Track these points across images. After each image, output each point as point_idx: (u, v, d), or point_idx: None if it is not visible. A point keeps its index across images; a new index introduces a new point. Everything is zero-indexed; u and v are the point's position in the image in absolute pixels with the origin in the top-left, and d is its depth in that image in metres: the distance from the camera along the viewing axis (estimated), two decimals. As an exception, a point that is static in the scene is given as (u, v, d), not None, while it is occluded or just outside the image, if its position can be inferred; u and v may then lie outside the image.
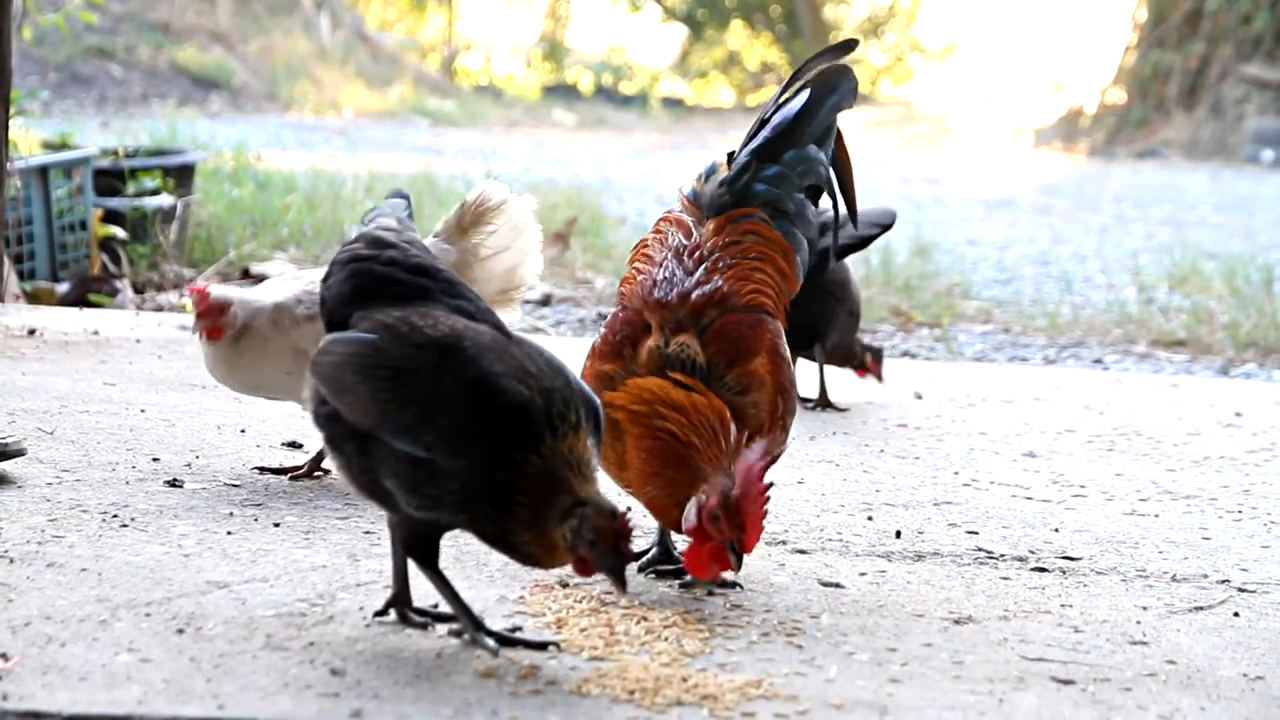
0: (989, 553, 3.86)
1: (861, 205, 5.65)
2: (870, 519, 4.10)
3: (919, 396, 5.88)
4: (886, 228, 5.64)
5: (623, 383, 3.33)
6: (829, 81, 3.65)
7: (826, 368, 5.65)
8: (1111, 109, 22.39)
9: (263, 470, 4.21)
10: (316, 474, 4.18)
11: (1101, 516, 4.29)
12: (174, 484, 4.02)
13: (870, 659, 3.06)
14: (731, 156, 3.62)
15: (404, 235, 3.17)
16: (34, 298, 7.27)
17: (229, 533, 3.63)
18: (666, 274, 3.45)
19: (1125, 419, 5.65)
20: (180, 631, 2.99)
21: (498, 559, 3.48)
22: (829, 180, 3.69)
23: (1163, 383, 6.68)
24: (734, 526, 3.13)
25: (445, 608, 3.05)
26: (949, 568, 3.72)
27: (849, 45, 3.74)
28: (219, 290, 4.11)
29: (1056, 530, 4.11)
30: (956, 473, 4.70)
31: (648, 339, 3.38)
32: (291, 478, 4.16)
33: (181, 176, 8.59)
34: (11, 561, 3.33)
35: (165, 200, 8.28)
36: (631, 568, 3.48)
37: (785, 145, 3.59)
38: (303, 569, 3.39)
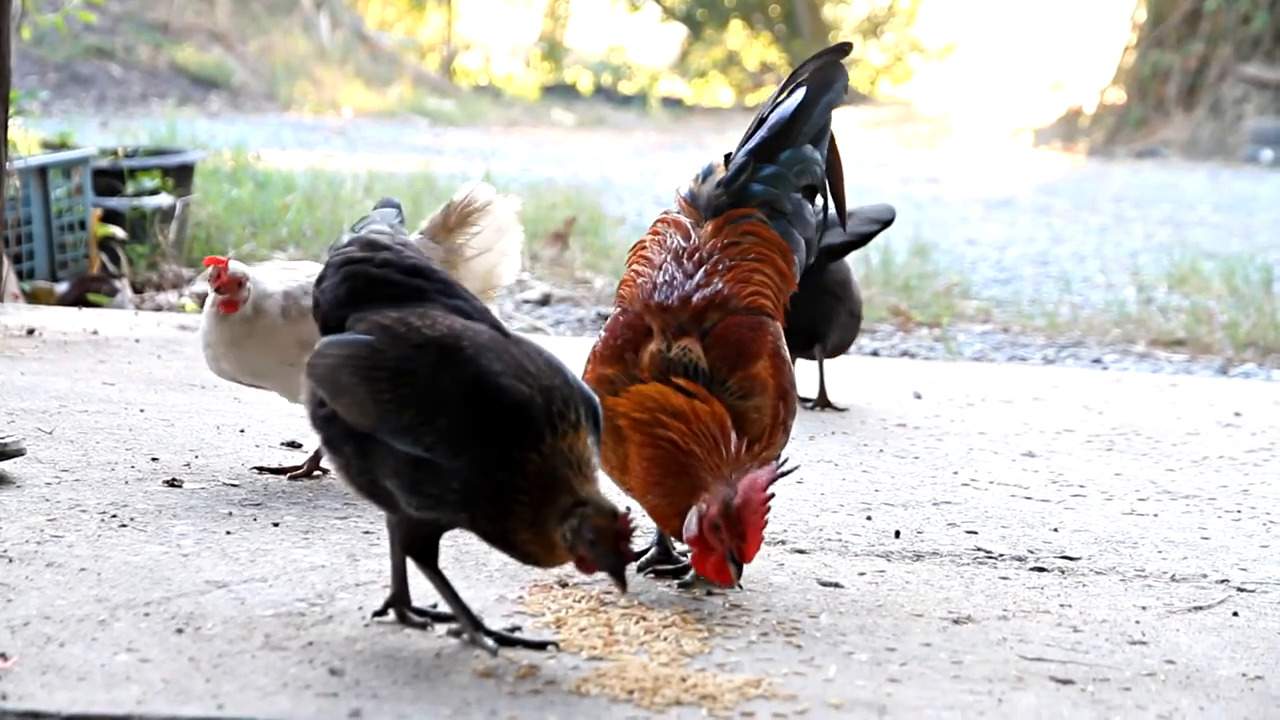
0: (988, 552, 3.86)
1: (859, 204, 5.71)
2: (869, 519, 4.10)
3: (918, 396, 5.88)
4: (886, 224, 5.64)
5: (625, 389, 3.33)
6: (823, 80, 3.65)
7: (826, 368, 5.65)
8: (1111, 109, 22.39)
9: (262, 470, 4.21)
10: (315, 474, 4.18)
11: (1100, 516, 4.29)
12: (173, 484, 4.02)
13: (869, 659, 3.06)
14: (728, 158, 3.62)
15: (397, 238, 3.17)
16: (33, 297, 7.27)
17: (228, 532, 3.63)
18: (666, 277, 3.45)
19: (1124, 419, 5.65)
20: (179, 631, 2.99)
21: (497, 559, 3.48)
22: (823, 180, 3.68)
23: (1162, 382, 6.68)
24: (734, 536, 3.13)
25: (444, 607, 3.05)
26: (948, 567, 3.72)
27: (844, 49, 3.74)
28: (237, 264, 4.09)
29: (1055, 530, 4.11)
30: (955, 472, 4.70)
31: (649, 343, 3.37)
32: (290, 477, 4.16)
33: (181, 176, 8.59)
34: (10, 561, 3.33)
35: (164, 200, 8.28)
36: (631, 567, 3.49)
37: (782, 145, 3.59)
38: (302, 569, 3.39)
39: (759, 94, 29.87)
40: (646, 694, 2.80)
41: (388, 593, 3.10)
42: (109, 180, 8.27)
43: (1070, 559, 3.84)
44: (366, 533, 3.68)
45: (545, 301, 8.59)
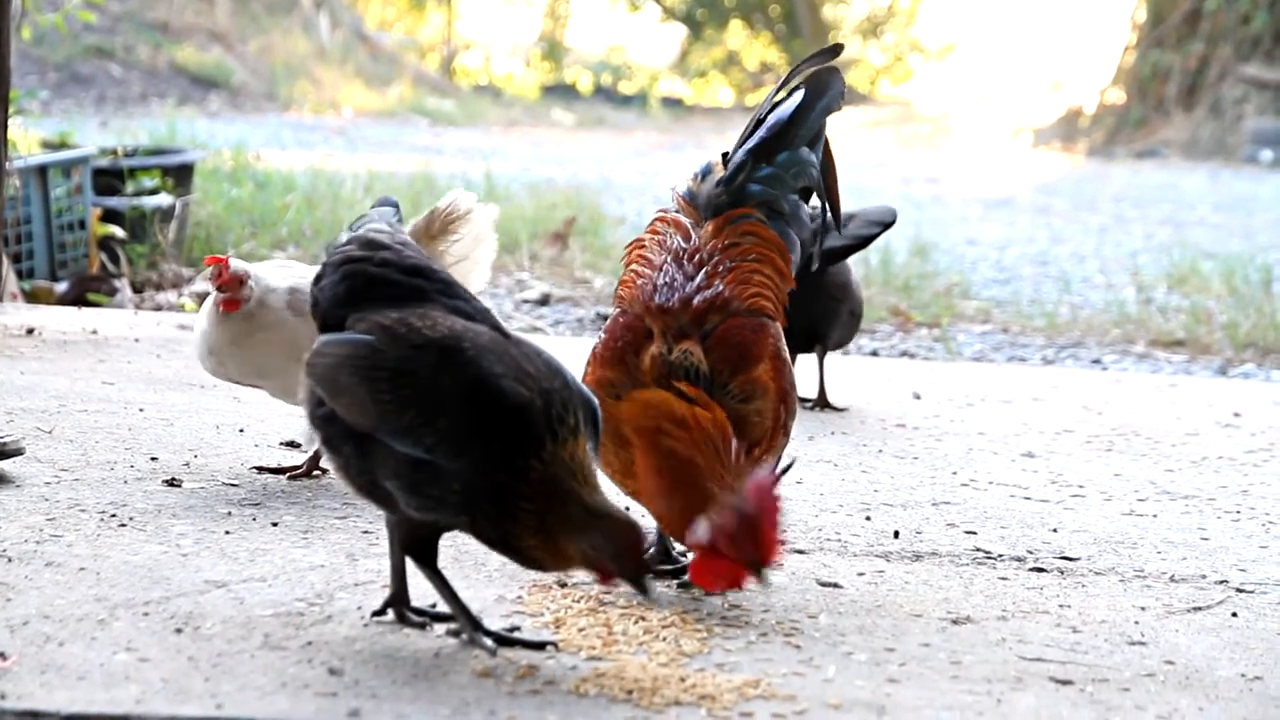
0: (987, 553, 3.86)
1: (860, 205, 5.71)
2: (868, 519, 4.10)
3: (917, 396, 5.88)
4: (887, 226, 5.64)
5: (627, 393, 3.31)
6: (820, 84, 3.65)
7: (826, 368, 5.65)
8: (1110, 109, 22.40)
9: (261, 470, 4.21)
10: (315, 473, 4.18)
11: (1100, 516, 4.29)
12: (172, 483, 4.02)
13: (868, 659, 3.06)
14: (726, 157, 3.62)
15: (397, 237, 3.16)
16: (32, 297, 7.27)
17: (227, 532, 3.63)
18: (667, 278, 3.43)
19: (1124, 419, 5.65)
20: (178, 631, 2.99)
21: (496, 559, 3.48)
22: (819, 182, 3.68)
23: (1161, 383, 6.68)
24: (754, 544, 3.12)
25: (443, 607, 3.05)
26: (947, 568, 3.72)
27: (835, 50, 3.74)
28: (238, 262, 4.07)
29: (1055, 530, 4.11)
30: (955, 473, 4.70)
31: (650, 345, 3.36)
32: (290, 477, 4.16)
33: (180, 176, 8.59)
34: (10, 561, 3.33)
35: (164, 200, 8.28)
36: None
37: (779, 146, 3.59)
38: (301, 568, 3.39)
39: (759, 94, 29.87)
40: (645, 694, 2.80)
41: (387, 592, 3.10)
42: (109, 180, 8.27)
43: (1069, 559, 3.84)
44: (365, 532, 3.68)
45: (545, 301, 8.59)
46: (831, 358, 5.77)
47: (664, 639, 3.07)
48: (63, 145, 8.57)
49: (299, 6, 24.71)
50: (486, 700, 2.75)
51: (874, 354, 7.75)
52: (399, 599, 3.08)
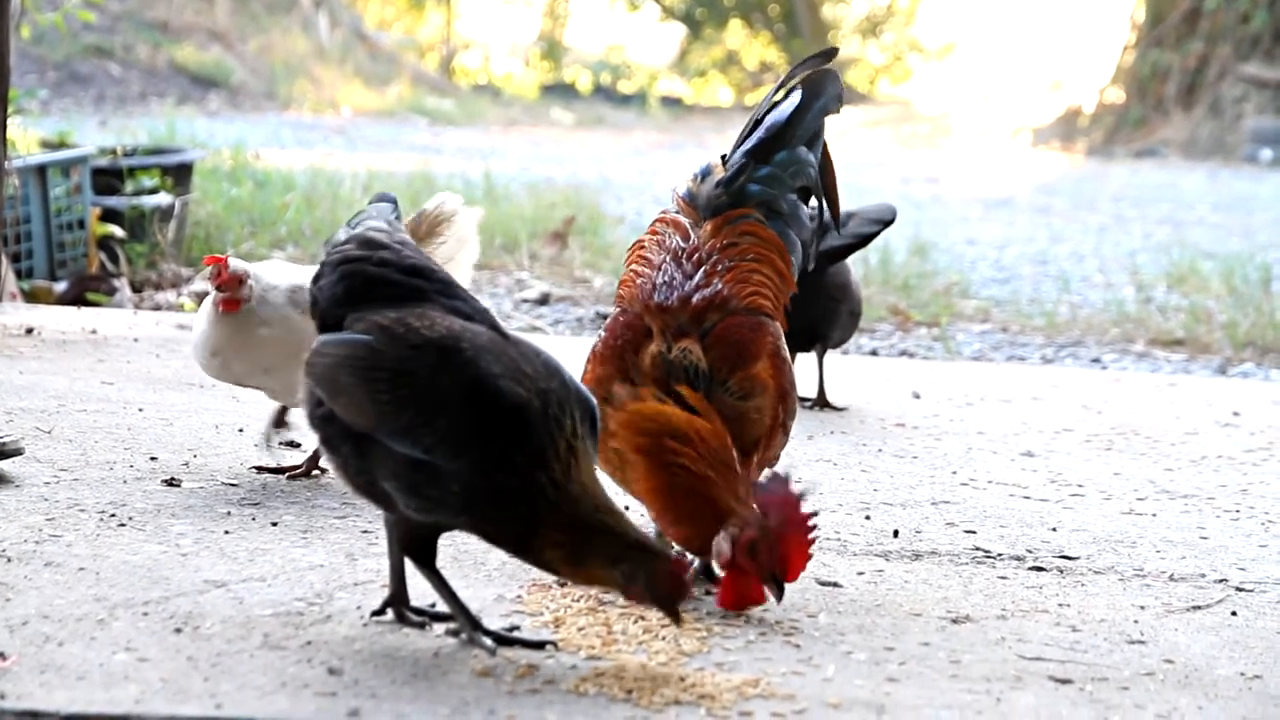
0: (986, 552, 3.86)
1: (859, 204, 5.71)
2: (868, 518, 4.10)
3: (917, 396, 5.88)
4: (887, 224, 5.64)
5: (621, 404, 3.29)
6: (817, 86, 3.66)
7: (825, 367, 5.65)
8: (1110, 108, 22.40)
9: (260, 469, 4.21)
10: (314, 473, 4.18)
11: (1099, 516, 4.29)
12: (172, 483, 4.02)
13: (868, 658, 3.06)
14: (725, 159, 3.62)
15: (395, 236, 3.15)
16: (32, 296, 7.27)
17: (227, 532, 3.63)
18: (666, 277, 3.44)
19: (1123, 418, 5.65)
20: (178, 631, 2.99)
21: (495, 558, 3.48)
22: (817, 182, 3.69)
23: (1160, 382, 6.68)
24: (775, 558, 3.13)
25: (442, 607, 3.05)
26: (946, 567, 3.72)
27: (830, 53, 3.76)
28: (237, 261, 4.05)
29: (1054, 529, 4.11)
30: (954, 472, 4.70)
31: (649, 344, 3.37)
32: (289, 477, 4.16)
33: (180, 175, 8.59)
34: (9, 560, 3.33)
35: (163, 199, 8.28)
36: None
37: (777, 147, 3.59)
38: (300, 568, 3.39)
39: (758, 93, 29.85)
40: (645, 693, 2.80)
41: (386, 592, 3.10)
42: (108, 179, 8.26)
43: (1069, 558, 3.84)
44: (365, 532, 3.68)
45: (544, 301, 8.59)
46: (831, 357, 5.78)
47: (663, 638, 3.07)
48: (62, 145, 8.57)
49: (298, 6, 24.71)
50: (486, 699, 2.75)
51: (873, 353, 7.75)
52: (398, 599, 3.08)
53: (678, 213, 3.58)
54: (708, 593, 3.38)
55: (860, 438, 5.12)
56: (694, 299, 3.39)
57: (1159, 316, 8.68)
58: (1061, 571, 3.74)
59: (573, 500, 2.85)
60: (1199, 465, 4.96)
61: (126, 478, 4.05)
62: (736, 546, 3.14)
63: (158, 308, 7.43)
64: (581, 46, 34.26)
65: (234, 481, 4.10)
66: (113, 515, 3.70)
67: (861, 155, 18.63)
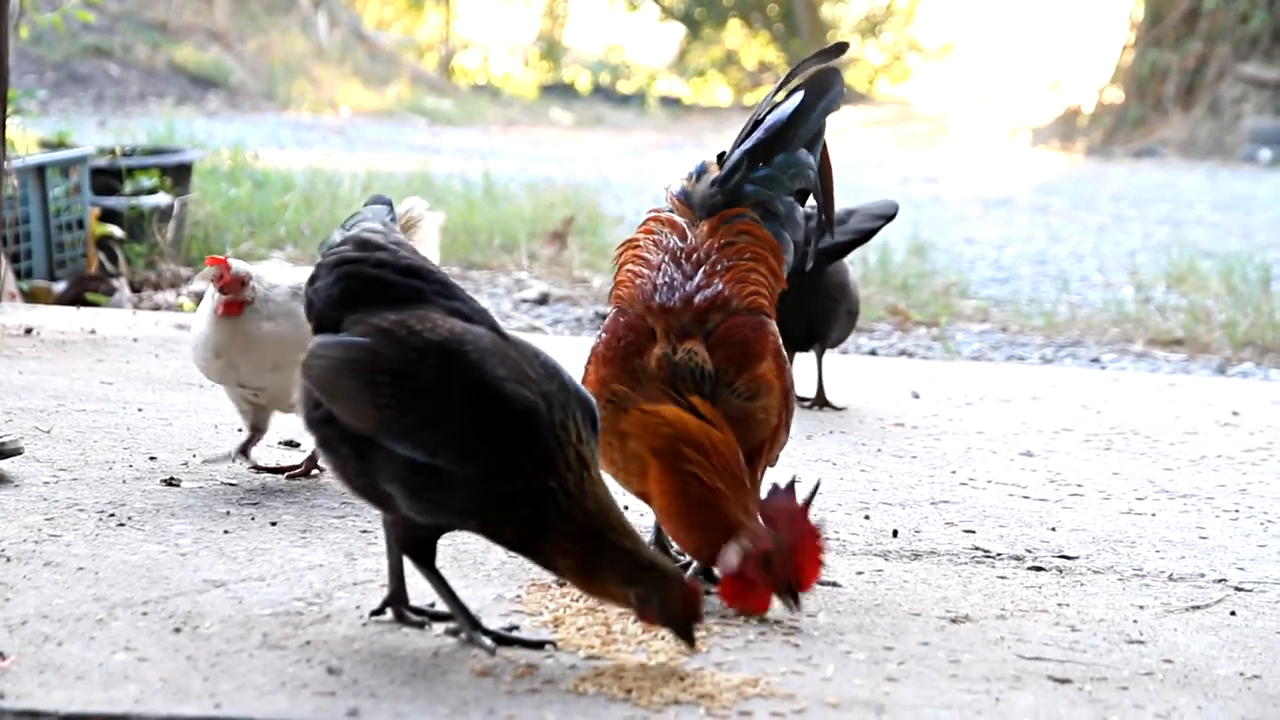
0: (986, 551, 3.86)
1: (859, 202, 5.71)
2: (867, 518, 4.10)
3: (916, 395, 5.88)
4: (889, 219, 5.63)
5: (635, 405, 3.29)
6: (820, 85, 3.65)
7: (824, 366, 5.65)
8: (1109, 108, 22.40)
9: (260, 469, 4.20)
10: (313, 473, 4.17)
11: (1098, 515, 4.29)
12: (171, 483, 4.02)
13: (867, 658, 3.06)
14: (721, 157, 3.62)
15: (391, 237, 3.13)
16: (31, 297, 7.27)
17: (226, 531, 3.63)
18: (666, 278, 3.43)
19: (1122, 418, 5.65)
20: (177, 630, 2.99)
21: (495, 558, 3.48)
22: (816, 184, 3.68)
23: (1160, 382, 6.68)
24: (790, 570, 3.14)
25: (442, 606, 3.05)
26: (946, 566, 3.72)
27: (840, 49, 3.74)
28: (239, 263, 4.01)
29: (1053, 529, 4.11)
30: (953, 472, 4.70)
31: (653, 346, 3.35)
32: (289, 477, 4.16)
33: (179, 175, 8.59)
34: (8, 560, 3.33)
35: (162, 199, 8.28)
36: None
37: (777, 148, 3.59)
38: (299, 568, 3.39)
39: (757, 93, 29.86)
40: (644, 693, 2.80)
41: (385, 592, 3.10)
42: (107, 179, 8.26)
43: (1068, 558, 3.84)
44: (364, 532, 3.68)
45: (543, 300, 8.59)
46: (830, 357, 5.78)
47: (663, 638, 3.07)
48: (61, 145, 8.57)
49: (297, 6, 24.72)
50: (485, 699, 2.75)
51: (872, 353, 7.75)
52: (398, 598, 3.08)
53: (671, 211, 3.57)
54: (707, 592, 3.38)
55: (859, 437, 5.12)
56: (696, 299, 3.39)
57: (1158, 316, 8.69)
58: (1061, 571, 3.74)
59: (586, 513, 2.84)
60: (1198, 465, 4.96)
61: (126, 477, 4.05)
62: (749, 560, 3.14)
63: (157, 308, 7.43)
64: (581, 46, 34.26)
65: (233, 481, 4.10)
66: (112, 515, 3.70)
67: (861, 155, 18.63)
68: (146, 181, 8.32)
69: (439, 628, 3.05)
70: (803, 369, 5.54)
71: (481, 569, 3.43)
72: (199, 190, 9.24)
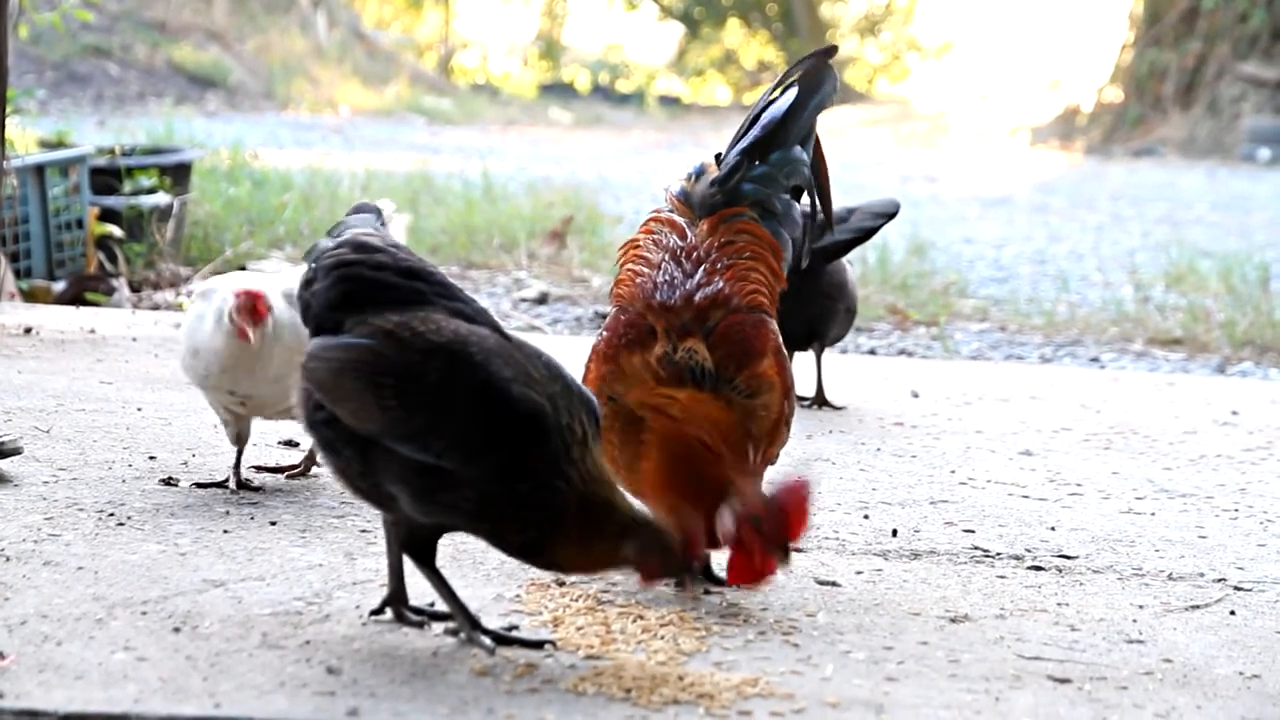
0: (985, 551, 3.86)
1: (859, 201, 5.71)
2: (866, 517, 4.10)
3: (915, 395, 5.88)
4: (890, 217, 5.63)
5: (642, 384, 3.31)
6: (813, 81, 3.65)
7: (823, 365, 5.66)
8: (1108, 107, 22.41)
9: (259, 469, 4.20)
10: (312, 471, 4.17)
11: (1098, 515, 4.29)
12: (170, 482, 4.02)
13: (866, 657, 3.06)
14: (719, 157, 3.62)
15: (388, 239, 3.13)
16: (30, 296, 7.27)
17: (225, 531, 3.63)
18: (666, 276, 3.44)
19: (1122, 417, 5.65)
20: (177, 630, 2.99)
21: (494, 558, 3.48)
22: (811, 181, 3.69)
23: (1159, 381, 6.69)
24: (780, 524, 3.12)
25: (441, 606, 3.05)
26: (945, 566, 3.72)
27: (830, 51, 3.76)
28: (267, 294, 3.88)
29: (1053, 529, 4.11)
30: (953, 471, 4.70)
31: (653, 343, 3.36)
32: (288, 476, 4.16)
33: (178, 175, 8.59)
34: (8, 560, 3.32)
35: (162, 199, 8.28)
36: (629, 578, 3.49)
37: (772, 145, 3.59)
38: (299, 567, 3.39)
39: (756, 92, 29.77)
40: (644, 693, 2.80)
41: (385, 591, 3.10)
42: (106, 179, 8.26)
43: (1067, 558, 3.85)
44: (364, 531, 3.68)
45: (543, 300, 8.59)
46: (829, 357, 5.78)
47: (662, 638, 3.07)
48: (60, 144, 8.57)
49: (296, 5, 24.72)
50: (485, 699, 2.75)
51: (872, 352, 7.75)
52: (397, 598, 3.08)
53: (671, 211, 3.58)
54: (707, 592, 3.38)
55: (859, 437, 5.12)
56: (697, 297, 3.39)
57: (1157, 315, 8.69)
58: (1060, 571, 3.74)
59: (587, 491, 2.85)
60: (1197, 464, 4.96)
61: (125, 477, 4.05)
62: (739, 520, 3.13)
63: (156, 307, 7.43)
64: (580, 46, 34.28)
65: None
66: (111, 514, 3.70)
67: (860, 154, 18.64)
68: (146, 181, 8.32)
69: (438, 627, 3.05)
70: (802, 368, 5.55)
71: (481, 568, 3.43)
72: (198, 190, 9.24)
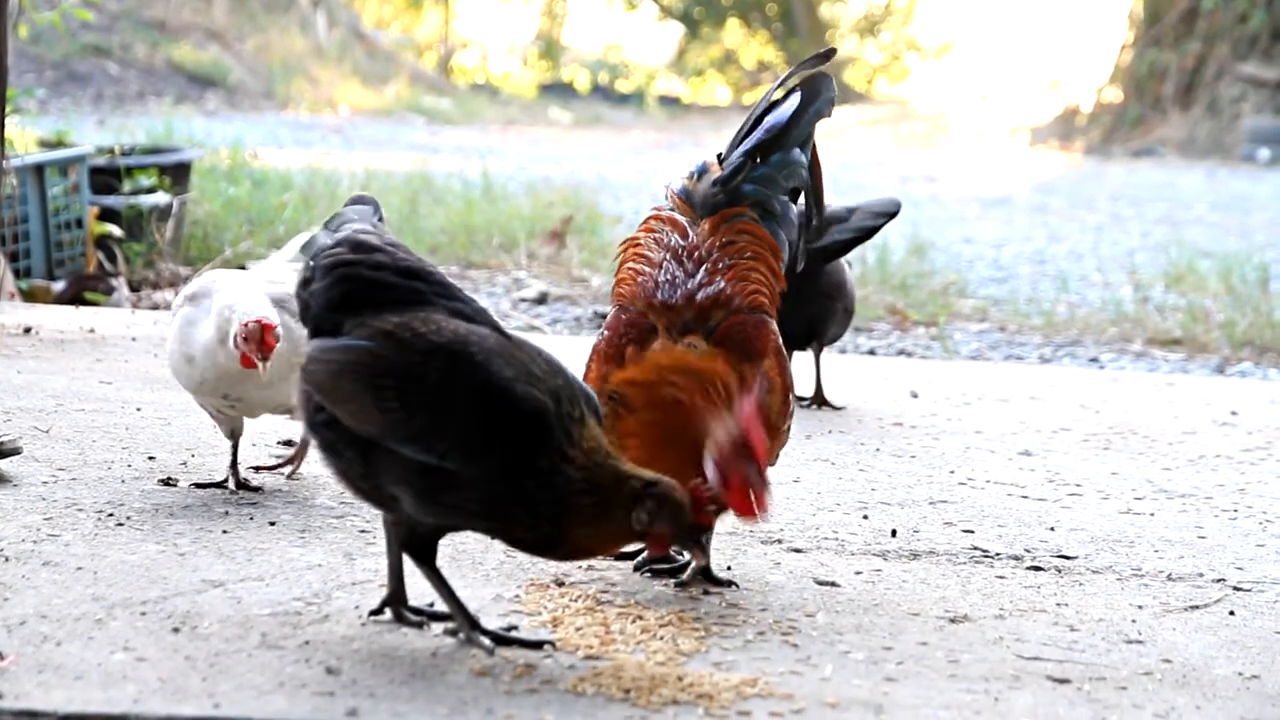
0: (984, 551, 3.86)
1: (859, 200, 5.71)
2: (866, 518, 4.10)
3: (915, 395, 5.88)
4: (891, 216, 5.62)
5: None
6: (813, 89, 3.66)
7: (822, 365, 5.66)
8: (1108, 107, 22.42)
9: (257, 469, 4.19)
10: (311, 472, 4.15)
11: (1097, 515, 4.29)
12: (169, 482, 4.02)
13: (866, 658, 3.06)
14: (720, 157, 3.63)
15: (385, 237, 3.12)
16: (30, 296, 7.27)
17: (224, 531, 3.63)
18: (668, 275, 3.44)
19: (1121, 417, 5.65)
20: (176, 630, 2.99)
21: (494, 558, 3.48)
22: (808, 182, 3.69)
23: (1158, 381, 6.69)
24: (744, 452, 3.10)
25: (441, 606, 3.05)
26: (944, 566, 3.72)
27: (828, 54, 3.77)
28: (272, 317, 3.82)
29: (1052, 529, 4.11)
30: (952, 471, 4.70)
31: (654, 341, 3.36)
32: (289, 475, 4.15)
33: (178, 174, 8.58)
34: (7, 560, 3.32)
35: (161, 198, 8.28)
36: (625, 567, 3.49)
37: (774, 148, 3.60)
38: (298, 568, 3.39)
39: (756, 92, 29.86)
40: (643, 693, 2.80)
41: (384, 591, 3.10)
42: (106, 178, 8.26)
43: (1067, 558, 3.85)
44: (363, 531, 3.68)
45: (542, 300, 8.59)
46: (828, 357, 5.78)
47: (661, 638, 3.07)
48: (60, 144, 8.57)
49: (296, 5, 24.72)
50: (484, 699, 2.75)
51: (871, 353, 7.75)
52: (396, 598, 3.08)
53: (672, 210, 3.58)
54: (706, 593, 3.38)
55: (858, 437, 5.12)
56: (699, 296, 3.40)
57: (1157, 316, 8.69)
58: (1059, 571, 3.74)
59: (591, 474, 2.85)
60: (1197, 465, 4.96)
61: (124, 477, 4.05)
62: (715, 465, 3.11)
63: (155, 307, 7.43)
64: (579, 46, 34.29)
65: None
66: (110, 515, 3.70)
67: (859, 154, 18.64)
68: (145, 180, 8.32)
69: (438, 627, 3.05)
70: (801, 368, 5.55)
71: (480, 569, 3.43)
72: (198, 189, 9.24)
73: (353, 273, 3.01)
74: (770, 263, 3.53)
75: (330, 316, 3.00)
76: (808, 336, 5.57)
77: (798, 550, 3.77)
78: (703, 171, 3.61)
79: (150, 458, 4.26)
